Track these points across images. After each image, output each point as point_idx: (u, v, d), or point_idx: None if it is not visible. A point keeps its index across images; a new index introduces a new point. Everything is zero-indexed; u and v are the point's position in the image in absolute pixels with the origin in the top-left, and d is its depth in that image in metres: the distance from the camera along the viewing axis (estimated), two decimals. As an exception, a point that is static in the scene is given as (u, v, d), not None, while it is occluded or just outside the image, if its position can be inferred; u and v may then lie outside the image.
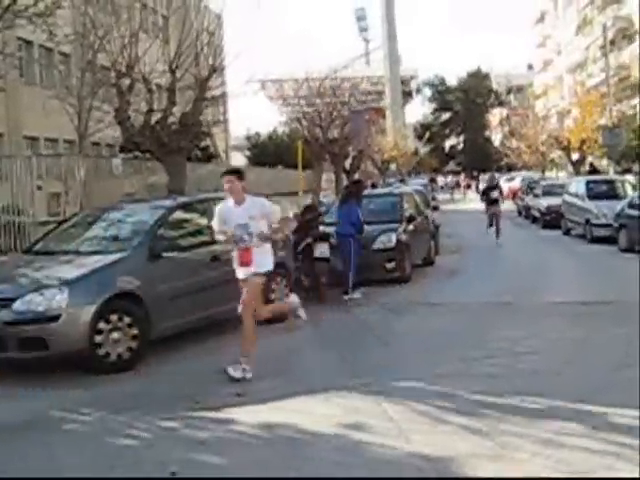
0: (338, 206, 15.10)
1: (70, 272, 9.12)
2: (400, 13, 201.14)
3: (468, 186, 70.99)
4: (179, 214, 10.92)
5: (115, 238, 10.31)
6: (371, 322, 11.71)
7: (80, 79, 24.08)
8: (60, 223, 12.04)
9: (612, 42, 50.84)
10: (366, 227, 14.42)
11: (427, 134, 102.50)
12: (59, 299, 8.57)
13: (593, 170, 40.24)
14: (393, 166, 63.53)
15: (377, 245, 15.00)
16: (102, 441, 6.53)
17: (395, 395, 7.41)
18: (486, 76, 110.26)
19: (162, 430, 6.72)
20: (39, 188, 16.85)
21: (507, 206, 44.84)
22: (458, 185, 74.51)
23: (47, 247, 10.57)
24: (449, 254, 20.58)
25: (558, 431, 6.15)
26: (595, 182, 26.31)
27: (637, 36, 50.72)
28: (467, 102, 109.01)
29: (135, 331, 9.01)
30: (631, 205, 20.14)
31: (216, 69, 15.90)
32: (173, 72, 15.31)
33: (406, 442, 6.12)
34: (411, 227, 16.36)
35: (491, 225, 24.51)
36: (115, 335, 8.82)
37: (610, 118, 39.87)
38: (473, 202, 49.40)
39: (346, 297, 13.72)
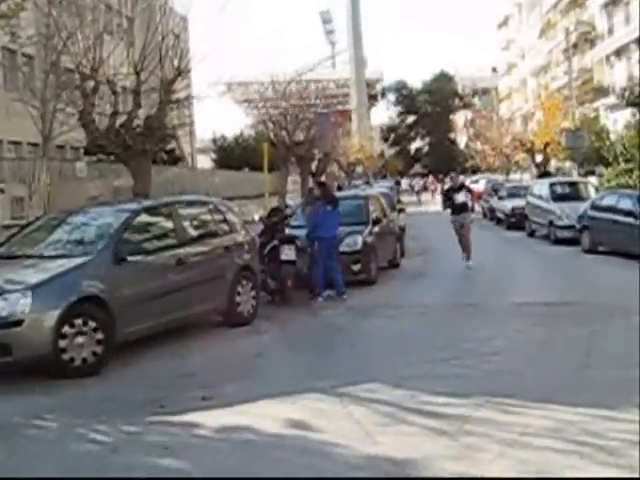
0: (316, 210, 14.84)
1: (34, 276, 9.04)
2: (366, 16, 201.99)
3: (432, 192, 63.52)
4: (144, 217, 10.85)
5: (80, 242, 10.22)
6: (337, 324, 11.74)
7: (44, 81, 23.83)
8: (24, 227, 11.91)
9: (575, 46, 51.42)
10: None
11: (392, 137, 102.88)
12: (22, 304, 8.48)
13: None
14: (359, 168, 63.71)
15: (343, 247, 14.98)
16: (66, 447, 6.47)
17: (361, 397, 7.43)
18: (451, 79, 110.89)
19: (127, 435, 6.68)
20: (2, 191, 16.69)
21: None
22: (426, 189, 68.10)
23: (10, 251, 10.43)
24: (415, 256, 20.68)
25: (522, 431, 6.21)
26: (558, 184, 26.60)
27: (598, 40, 51.38)
28: (432, 105, 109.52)
29: (100, 335, 8.93)
30: (594, 207, 20.40)
31: (181, 72, 15.79)
32: (138, 74, 15.18)
33: (372, 444, 6.14)
34: (377, 229, 16.40)
35: (462, 244, 18.16)
36: (80, 340, 8.73)
37: (573, 121, 40.31)
38: (439, 205, 49.88)
39: (345, 297, 13.77)
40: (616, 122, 42.00)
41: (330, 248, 14.10)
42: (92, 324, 8.87)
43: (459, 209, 17.96)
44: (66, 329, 8.64)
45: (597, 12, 51.13)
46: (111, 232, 9.98)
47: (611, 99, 44.16)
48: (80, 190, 19.54)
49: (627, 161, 30.45)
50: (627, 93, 35.80)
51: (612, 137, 36.95)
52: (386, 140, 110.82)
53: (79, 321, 8.77)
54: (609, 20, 49.09)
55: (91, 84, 15.23)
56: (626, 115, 35.74)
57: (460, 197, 18.02)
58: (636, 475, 5.28)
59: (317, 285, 14.09)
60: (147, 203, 11.67)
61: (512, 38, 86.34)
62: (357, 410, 7.03)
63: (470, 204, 18.82)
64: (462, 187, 18.71)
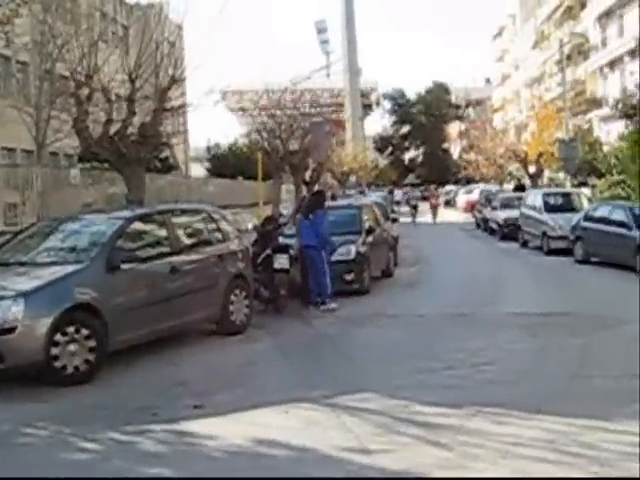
0: (301, 218, 14.93)
1: (27, 283, 9.00)
2: (360, 26, 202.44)
3: (435, 207, 45.56)
4: (138, 225, 10.83)
5: (73, 249, 10.19)
6: (330, 334, 11.71)
7: (38, 88, 23.85)
8: (17, 234, 11.85)
9: (568, 57, 51.57)
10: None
11: (386, 146, 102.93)
12: (15, 311, 8.44)
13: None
14: (353, 178, 63.76)
15: (336, 257, 14.97)
16: (55, 455, 6.43)
17: (354, 407, 7.42)
18: (446, 89, 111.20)
19: (118, 443, 6.66)
20: (-5, 198, 16.64)
21: (465, 218, 45.25)
22: (425, 198, 54.42)
23: (3, 258, 10.36)
24: (408, 266, 20.68)
25: (515, 442, 6.20)
26: (551, 195, 26.66)
27: (592, 52, 51.58)
28: (427, 115, 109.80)
29: (92, 343, 8.90)
30: (587, 218, 20.44)
31: (176, 80, 15.79)
32: (133, 82, 15.17)
33: (365, 454, 6.12)
34: (370, 239, 16.40)
35: None
36: (72, 347, 8.69)
37: (566, 132, 40.44)
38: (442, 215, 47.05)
39: (323, 307, 13.67)
40: (609, 133, 42.15)
41: (313, 258, 14.12)
42: (85, 332, 8.83)
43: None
44: (58, 337, 8.60)
45: (591, 24, 51.32)
46: (104, 240, 9.94)
47: (604, 110, 44.36)
48: (74, 197, 19.50)
49: (620, 172, 30.55)
50: (620, 105, 35.94)
51: (605, 148, 37.12)
52: (380, 150, 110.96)
53: (71, 329, 8.73)
54: (603, 32, 49.28)
55: (85, 91, 15.21)
56: (619, 127, 35.84)
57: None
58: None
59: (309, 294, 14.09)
60: (141, 211, 11.65)
61: (506, 49, 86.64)
62: (350, 420, 7.02)
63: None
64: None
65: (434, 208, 45.15)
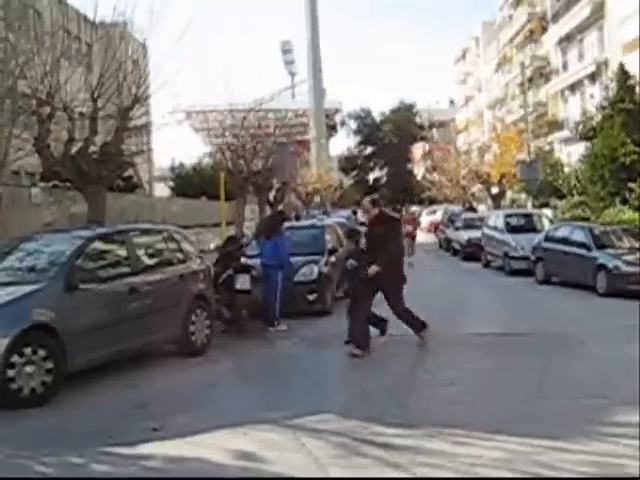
0: (263, 238, 14.94)
1: (-18, 304, 8.86)
2: (325, 47, 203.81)
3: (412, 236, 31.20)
4: (98, 245, 10.71)
5: (31, 269, 10.06)
6: (291, 355, 11.68)
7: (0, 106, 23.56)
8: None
9: (530, 80, 52.32)
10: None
11: (351, 167, 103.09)
12: (-30, 332, 8.30)
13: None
14: (317, 198, 63.89)
15: (299, 277, 14.99)
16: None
17: (314, 428, 7.38)
18: (411, 109, 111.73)
19: (73, 466, 6.54)
20: (-47, 217, 16.40)
21: (428, 239, 45.48)
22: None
23: (-40, 278, 10.24)
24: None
25: (474, 462, 6.21)
26: (513, 216, 26.93)
27: (553, 75, 52.33)
28: (391, 135, 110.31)
29: (50, 365, 8.78)
30: (547, 238, 20.65)
31: (139, 98, 15.72)
32: (95, 101, 15.10)
33: (324, 476, 6.09)
34: (333, 259, 16.40)
35: None
36: (29, 369, 8.56)
37: (528, 153, 40.90)
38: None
39: (272, 329, 13.64)
40: (570, 155, 42.71)
41: (269, 278, 14.07)
42: (42, 353, 8.71)
43: None
44: (15, 358, 8.46)
45: (552, 48, 52.11)
46: (63, 259, 9.82)
47: (565, 133, 44.95)
48: (35, 216, 19.32)
49: (580, 194, 30.99)
50: (580, 127, 36.46)
51: (566, 170, 37.61)
52: (344, 170, 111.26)
53: (28, 350, 8.60)
54: (563, 56, 50.06)
55: (47, 110, 15.09)
56: (579, 149, 36.34)
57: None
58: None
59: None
60: (101, 230, 11.52)
61: (469, 71, 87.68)
62: (309, 442, 6.98)
63: None
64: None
65: (411, 239, 30.49)
